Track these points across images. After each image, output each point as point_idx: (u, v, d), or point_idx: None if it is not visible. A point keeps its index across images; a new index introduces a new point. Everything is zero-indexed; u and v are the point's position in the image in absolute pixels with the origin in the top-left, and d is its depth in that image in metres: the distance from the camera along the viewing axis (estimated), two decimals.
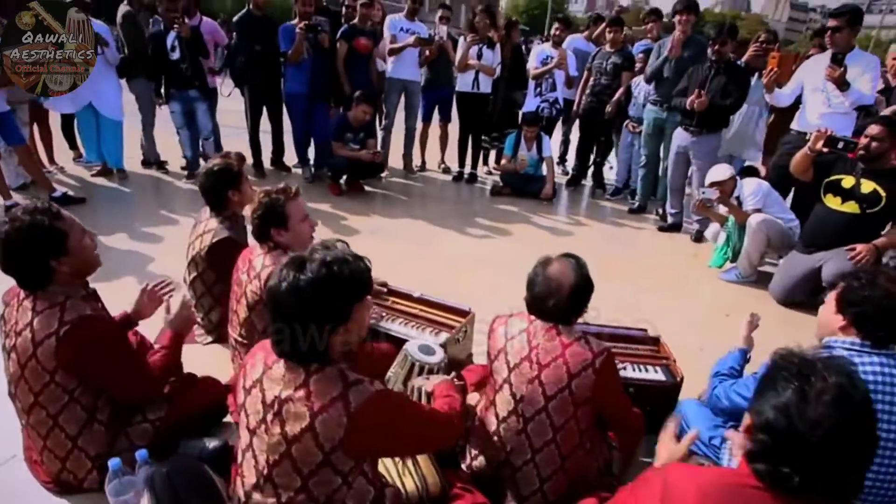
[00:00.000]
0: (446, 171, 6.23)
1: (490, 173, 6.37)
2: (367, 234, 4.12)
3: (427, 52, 5.42)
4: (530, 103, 5.68)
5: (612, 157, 6.07)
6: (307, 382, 1.22)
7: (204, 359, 2.43)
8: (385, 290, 2.52)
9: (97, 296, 1.75)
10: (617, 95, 5.32)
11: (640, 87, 5.17)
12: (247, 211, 2.62)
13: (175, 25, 4.67)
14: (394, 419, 1.27)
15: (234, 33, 5.16)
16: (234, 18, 5.18)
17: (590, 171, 6.08)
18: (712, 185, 3.69)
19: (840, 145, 2.90)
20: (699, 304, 3.46)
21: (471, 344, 2.48)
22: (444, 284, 3.07)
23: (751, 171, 4.40)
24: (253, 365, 1.32)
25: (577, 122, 6.04)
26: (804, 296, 3.25)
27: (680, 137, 4.37)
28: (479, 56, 5.38)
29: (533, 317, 1.59)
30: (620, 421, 1.65)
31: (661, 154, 4.89)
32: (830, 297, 1.60)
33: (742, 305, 3.42)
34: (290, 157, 5.77)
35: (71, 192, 4.46)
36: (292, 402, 1.22)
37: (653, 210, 5.18)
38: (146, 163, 5.53)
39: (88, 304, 1.62)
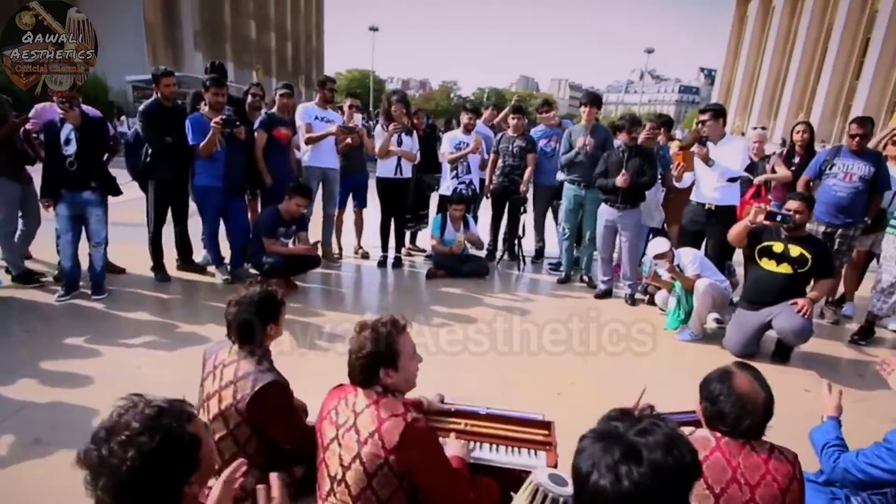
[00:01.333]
0: (365, 256, 6.04)
1: (409, 254, 6.33)
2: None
3: (349, 140, 5.33)
4: (449, 186, 5.85)
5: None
6: None
7: None
8: (452, 410, 2.29)
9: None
10: (527, 175, 5.77)
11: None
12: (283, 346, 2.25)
13: (61, 111, 3.94)
14: None
15: (140, 124, 4.51)
16: (140, 108, 4.58)
17: (500, 245, 6.36)
18: (656, 257, 4.15)
19: (778, 218, 3.51)
20: (680, 368, 3.73)
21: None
22: (454, 386, 2.92)
23: (659, 234, 5.06)
24: None
25: (483, 200, 6.36)
26: (756, 347, 3.76)
27: (607, 213, 4.85)
28: (399, 143, 5.45)
29: (718, 434, 1.57)
30: None
31: (582, 227, 5.39)
32: None
33: (708, 362, 3.77)
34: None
35: None
36: None
37: (576, 278, 5.60)
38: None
39: None
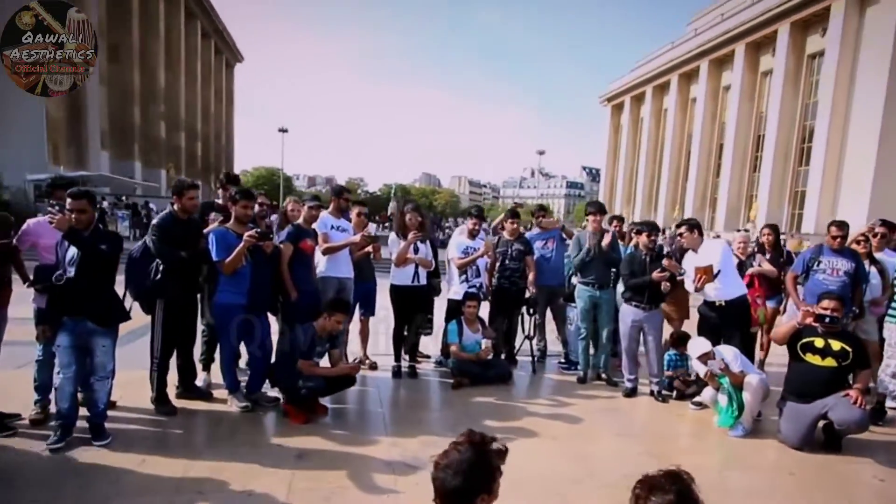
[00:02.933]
0: (373, 367, 5.70)
1: (417, 362, 6.07)
2: (412, 473, 3.35)
3: (368, 249, 5.22)
4: (458, 290, 5.82)
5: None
6: None
7: None
8: None
9: None
10: (532, 278, 5.92)
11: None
12: None
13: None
14: None
15: (153, 238, 4.08)
16: (154, 221, 4.19)
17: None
18: (701, 357, 4.36)
19: (826, 320, 3.90)
20: (758, 467, 3.75)
21: None
22: None
23: (683, 337, 5.34)
24: None
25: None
26: (813, 438, 3.97)
27: (632, 313, 5.06)
28: (416, 251, 5.43)
29: None
30: None
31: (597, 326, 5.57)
32: None
33: (781, 457, 3.89)
34: None
35: None
36: None
37: (593, 377, 5.65)
38: None
39: None
